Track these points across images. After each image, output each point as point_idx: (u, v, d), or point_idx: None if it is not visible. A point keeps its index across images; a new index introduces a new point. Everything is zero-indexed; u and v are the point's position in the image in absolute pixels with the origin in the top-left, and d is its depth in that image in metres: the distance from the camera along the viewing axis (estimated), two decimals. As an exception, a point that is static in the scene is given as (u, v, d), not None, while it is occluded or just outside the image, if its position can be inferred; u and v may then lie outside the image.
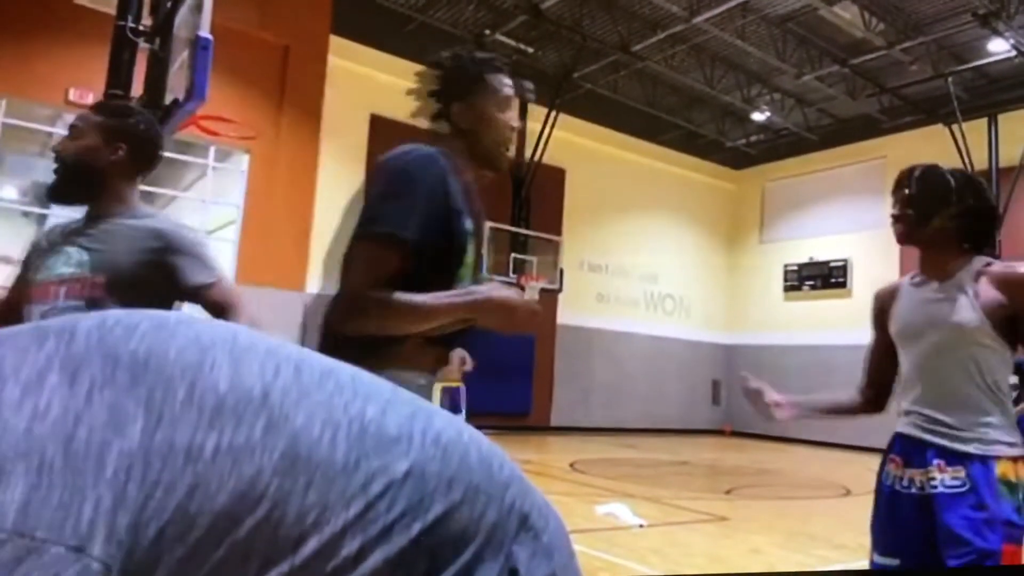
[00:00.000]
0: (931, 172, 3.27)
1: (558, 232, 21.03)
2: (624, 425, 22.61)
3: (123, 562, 0.63)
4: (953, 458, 2.89)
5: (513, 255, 18.90)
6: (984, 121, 19.79)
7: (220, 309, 2.82)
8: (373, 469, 0.72)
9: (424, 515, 0.71)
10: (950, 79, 18.59)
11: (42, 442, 0.65)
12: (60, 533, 0.61)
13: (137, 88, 6.87)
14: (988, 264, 3.02)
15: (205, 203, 15.34)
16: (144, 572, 0.64)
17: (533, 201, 19.80)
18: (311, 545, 0.68)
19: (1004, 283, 2.91)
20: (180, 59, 6.33)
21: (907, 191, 3.26)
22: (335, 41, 16.37)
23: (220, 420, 0.70)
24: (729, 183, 27.27)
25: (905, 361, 3.19)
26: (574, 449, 16.91)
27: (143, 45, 6.84)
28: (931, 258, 3.17)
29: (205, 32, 5.69)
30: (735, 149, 25.37)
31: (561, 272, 19.85)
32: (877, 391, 3.51)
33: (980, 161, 19.43)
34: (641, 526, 8.52)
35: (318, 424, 0.73)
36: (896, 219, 3.26)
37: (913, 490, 2.99)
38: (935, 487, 2.90)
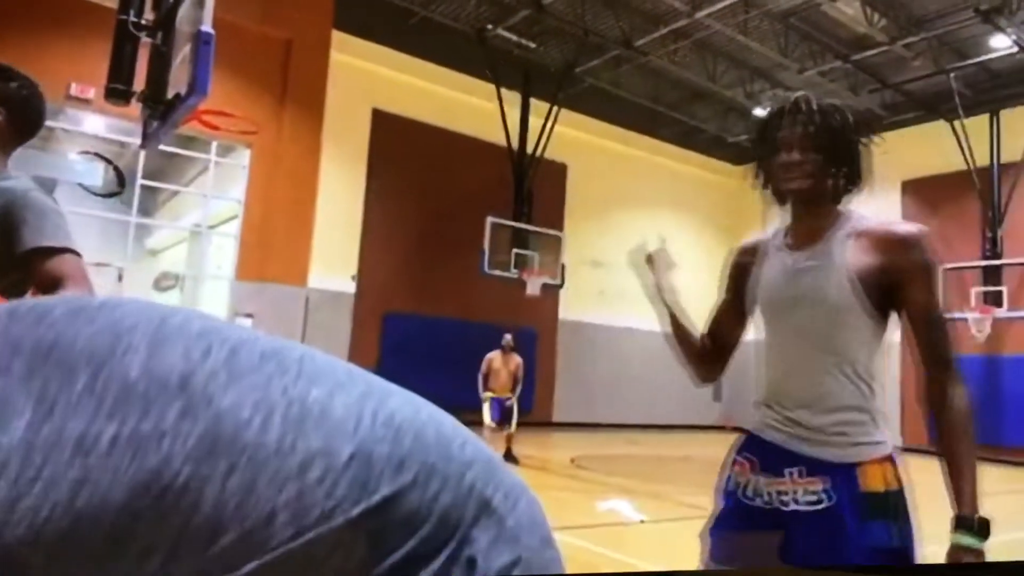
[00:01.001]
0: (831, 104, 2.62)
1: (560, 227, 21.01)
2: (625, 421, 22.62)
3: None
4: (813, 466, 2.37)
5: (515, 250, 18.87)
6: (986, 117, 19.80)
7: (51, 283, 2.47)
8: (312, 451, 0.66)
9: (368, 498, 0.65)
10: (952, 75, 18.58)
11: None
12: None
13: (139, 82, 6.87)
14: (862, 223, 2.55)
15: (207, 198, 15.34)
16: (12, 566, 0.59)
17: (535, 196, 19.77)
18: (229, 536, 0.62)
19: (884, 246, 2.44)
20: (182, 54, 6.33)
21: (809, 128, 2.55)
22: (337, 36, 16.35)
23: (124, 408, 0.64)
24: (731, 178, 27.24)
25: (767, 340, 2.79)
26: (575, 445, 16.92)
27: (145, 39, 6.84)
28: (806, 216, 2.64)
29: (207, 27, 5.69)
30: (737, 144, 25.34)
31: (563, 267, 19.84)
32: (715, 358, 3.17)
33: (982, 157, 19.45)
34: (642, 521, 8.53)
35: (248, 406, 0.67)
36: (796, 167, 2.56)
37: (759, 502, 2.44)
38: (786, 503, 2.36)
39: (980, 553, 2.39)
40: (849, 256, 2.46)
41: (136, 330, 0.70)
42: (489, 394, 13.03)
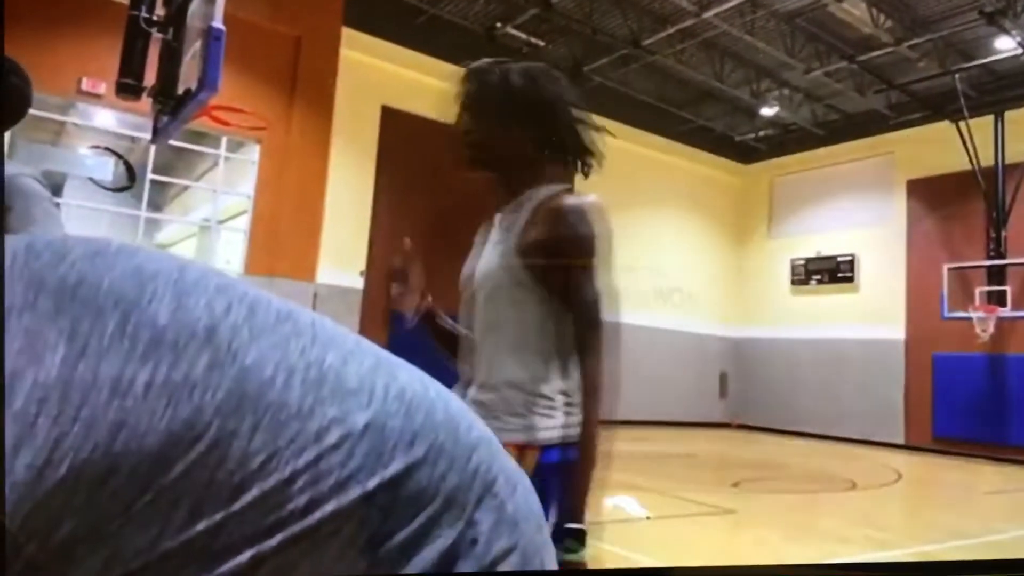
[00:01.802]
0: (493, 66, 2.63)
1: (566, 225, 20.98)
2: (631, 417, 22.60)
3: (15, 507, 0.58)
4: None
5: (522, 248, 18.91)
6: (991, 118, 19.76)
7: None
8: (329, 418, 0.66)
9: (382, 470, 0.66)
10: (957, 76, 18.58)
11: None
12: None
13: (150, 78, 6.92)
14: (543, 196, 2.45)
15: (216, 193, 15.39)
16: (48, 518, 0.59)
17: (542, 194, 19.77)
18: (252, 493, 0.63)
19: (541, 220, 2.37)
20: (193, 49, 6.39)
21: (465, 96, 2.62)
22: (347, 33, 16.38)
23: (156, 354, 0.64)
24: (737, 177, 27.23)
25: None
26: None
27: (156, 35, 6.90)
28: (501, 190, 2.64)
29: (218, 23, 5.75)
30: (744, 143, 25.36)
31: (569, 265, 19.83)
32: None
33: (987, 158, 19.43)
34: (648, 518, 8.57)
35: (271, 365, 0.67)
36: (464, 138, 2.65)
37: None
38: None
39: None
40: (517, 231, 2.41)
41: (159, 277, 0.69)
42: None
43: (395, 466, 0.67)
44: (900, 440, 20.97)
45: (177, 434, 0.62)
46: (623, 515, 8.66)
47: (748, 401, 25.48)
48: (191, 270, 0.73)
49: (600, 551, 6.84)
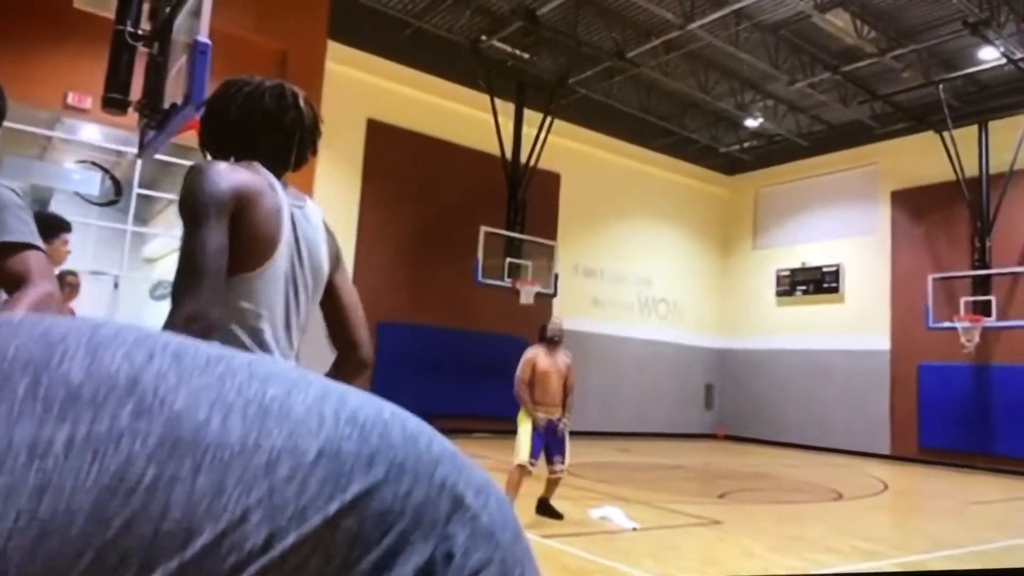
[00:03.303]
0: (225, 83, 2.75)
1: (553, 236, 21.06)
2: (618, 428, 22.66)
3: None
4: None
5: (508, 259, 18.94)
6: (975, 128, 19.91)
7: (14, 280, 2.42)
8: (277, 448, 0.60)
9: (341, 495, 0.59)
10: (941, 86, 18.71)
11: None
12: None
13: (136, 92, 6.91)
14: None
15: (201, 207, 15.33)
16: None
17: (528, 206, 19.82)
18: (204, 537, 0.56)
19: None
20: (178, 64, 6.38)
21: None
22: (332, 46, 16.40)
23: (74, 411, 0.59)
24: (722, 188, 27.35)
25: None
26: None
27: (142, 49, 6.89)
28: None
29: (203, 37, 5.74)
30: (728, 155, 25.45)
31: (556, 276, 19.88)
32: None
33: (971, 167, 19.56)
34: (635, 529, 8.57)
35: (204, 406, 0.61)
36: None
37: None
38: None
39: None
40: None
41: (69, 338, 0.64)
42: (541, 413, 8.78)
43: (354, 488, 0.59)
44: (886, 450, 21.04)
45: (109, 488, 0.56)
46: (610, 526, 8.67)
47: (734, 412, 25.54)
48: (106, 327, 0.66)
49: (586, 562, 6.86)
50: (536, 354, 8.95)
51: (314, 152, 2.84)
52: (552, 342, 9.09)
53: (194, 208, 2.35)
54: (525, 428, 8.82)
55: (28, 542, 0.53)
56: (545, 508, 8.93)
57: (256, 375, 0.64)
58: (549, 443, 8.72)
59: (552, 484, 8.93)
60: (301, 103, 2.71)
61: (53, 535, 0.54)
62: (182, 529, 0.55)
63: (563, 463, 8.83)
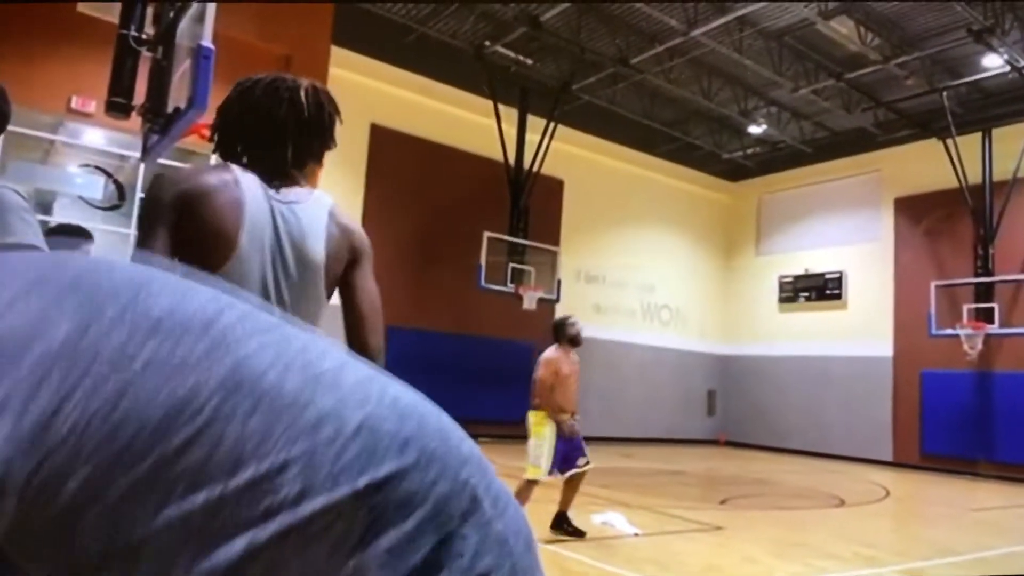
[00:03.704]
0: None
1: (556, 242, 21.07)
2: (620, 434, 22.63)
3: (20, 463, 0.61)
4: None
5: (511, 265, 18.94)
6: (978, 135, 19.90)
7: None
8: (325, 411, 0.67)
9: (373, 471, 0.65)
10: (945, 94, 18.69)
11: None
12: None
13: (139, 96, 6.92)
14: None
15: (204, 211, 15.34)
16: (49, 479, 0.61)
17: (531, 211, 19.83)
18: (247, 473, 0.63)
19: None
20: (182, 68, 6.39)
21: None
22: (336, 51, 16.41)
23: (154, 339, 0.66)
24: (725, 195, 27.34)
25: None
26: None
27: (146, 54, 6.91)
28: None
29: (207, 42, 5.76)
30: (732, 161, 25.45)
31: (559, 282, 19.89)
32: None
33: (974, 175, 19.55)
34: (637, 535, 8.57)
35: (267, 359, 0.68)
36: None
37: None
38: None
39: None
40: None
41: (154, 282, 0.72)
42: (566, 416, 8.35)
43: (386, 468, 0.67)
44: (888, 457, 21.00)
45: (175, 408, 0.64)
46: (612, 532, 8.67)
47: (736, 418, 25.52)
48: (184, 278, 0.75)
49: (588, 568, 6.85)
50: (558, 357, 8.46)
51: (324, 146, 2.79)
52: (575, 343, 8.67)
53: (140, 218, 2.36)
54: (547, 437, 8.04)
55: (102, 436, 0.61)
56: (563, 523, 8.15)
57: (314, 346, 0.72)
58: (568, 449, 8.12)
59: (571, 490, 8.22)
60: (301, 95, 2.66)
61: (123, 435, 0.62)
62: (230, 460, 0.62)
63: (585, 458, 8.34)
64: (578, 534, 8.07)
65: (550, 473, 7.88)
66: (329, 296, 2.69)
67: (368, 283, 2.78)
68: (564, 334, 8.59)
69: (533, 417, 8.20)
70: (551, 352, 8.48)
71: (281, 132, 2.60)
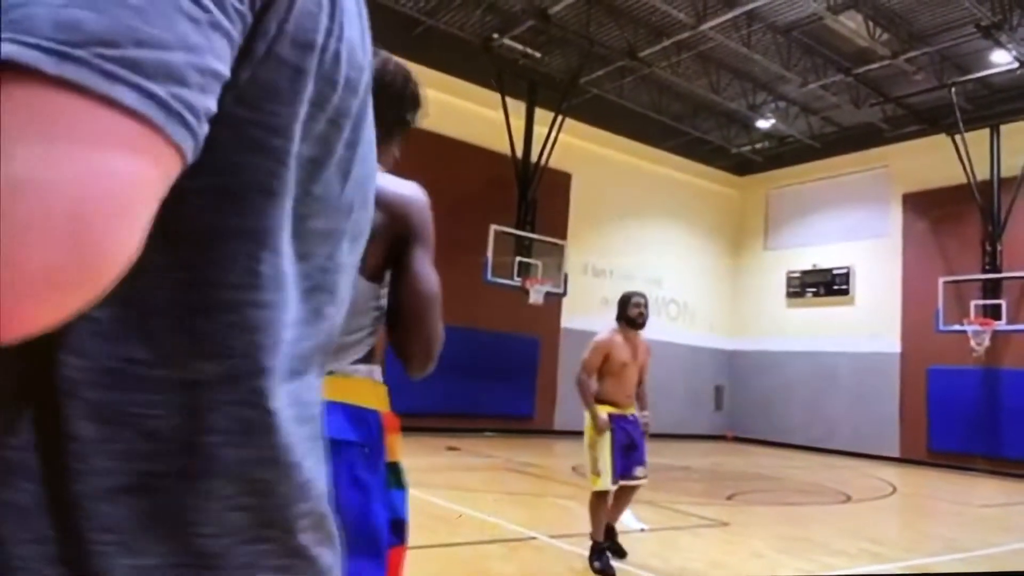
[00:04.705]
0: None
1: (563, 236, 21.07)
2: (626, 429, 22.59)
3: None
4: None
5: (518, 258, 18.94)
6: (986, 131, 19.86)
7: None
8: None
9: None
10: (953, 89, 18.66)
11: None
12: None
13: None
14: None
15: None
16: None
17: (539, 204, 19.81)
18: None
19: None
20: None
21: None
22: (343, 44, 16.39)
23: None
24: (733, 189, 27.31)
25: None
26: (577, 453, 16.89)
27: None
28: None
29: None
30: (740, 156, 25.44)
31: (566, 276, 19.89)
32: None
33: (982, 171, 19.51)
34: (643, 530, 8.57)
35: None
36: None
37: None
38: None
39: None
40: None
41: None
42: (611, 409, 6.97)
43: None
44: (895, 453, 20.99)
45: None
46: (619, 527, 8.67)
47: (743, 413, 25.51)
48: None
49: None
50: (611, 340, 7.06)
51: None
52: (635, 324, 7.21)
53: None
54: (603, 439, 6.79)
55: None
56: (608, 537, 7.05)
57: None
58: (627, 450, 6.96)
59: (619, 502, 7.15)
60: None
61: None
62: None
63: (645, 470, 7.16)
64: (620, 554, 7.07)
65: (613, 482, 6.73)
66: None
67: (422, 271, 2.57)
68: (623, 312, 7.25)
69: (586, 418, 6.96)
70: (604, 333, 7.19)
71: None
